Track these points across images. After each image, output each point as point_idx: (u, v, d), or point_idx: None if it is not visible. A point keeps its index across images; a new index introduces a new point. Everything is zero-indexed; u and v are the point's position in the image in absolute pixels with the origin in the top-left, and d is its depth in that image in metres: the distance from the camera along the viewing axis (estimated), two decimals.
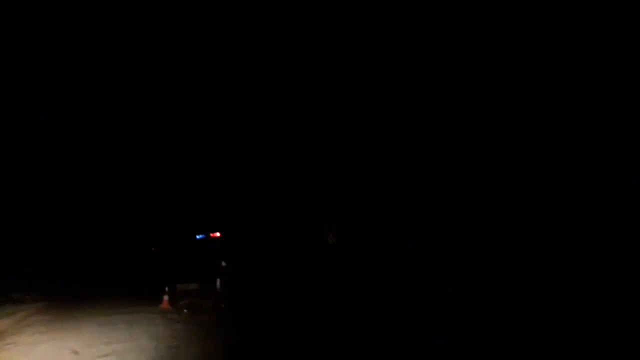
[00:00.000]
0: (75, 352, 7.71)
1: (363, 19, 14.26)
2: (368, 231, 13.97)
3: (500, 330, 7.14)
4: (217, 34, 16.36)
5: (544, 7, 11.64)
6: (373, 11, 13.99)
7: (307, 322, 8.96)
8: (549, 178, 11.33)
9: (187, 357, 7.38)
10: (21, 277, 15.10)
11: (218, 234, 14.54)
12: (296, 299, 10.96)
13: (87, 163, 19.45)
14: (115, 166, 19.67)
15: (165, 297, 11.33)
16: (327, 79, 15.17)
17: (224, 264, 13.18)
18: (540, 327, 7.11)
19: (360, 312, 9.42)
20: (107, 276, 16.87)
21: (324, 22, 14.74)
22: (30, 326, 9.87)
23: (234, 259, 13.68)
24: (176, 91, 17.90)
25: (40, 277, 15.72)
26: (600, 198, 10.36)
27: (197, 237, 15.20)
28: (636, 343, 6.17)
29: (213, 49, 16.77)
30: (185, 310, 10.84)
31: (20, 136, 18.74)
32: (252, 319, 9.63)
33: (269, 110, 16.03)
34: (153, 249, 16.68)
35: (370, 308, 9.62)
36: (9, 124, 17.97)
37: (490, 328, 7.33)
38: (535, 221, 10.97)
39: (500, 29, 12.29)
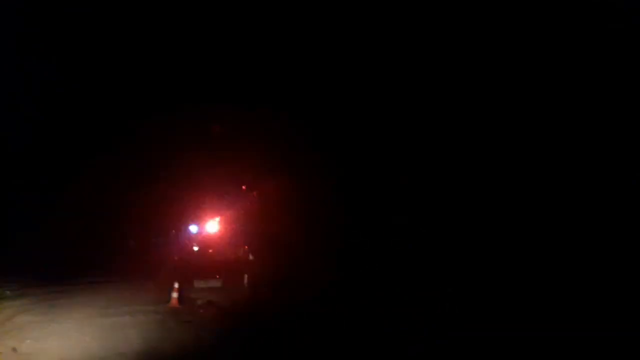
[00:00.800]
0: None
1: (362, 18, 14.26)
2: (370, 230, 13.95)
3: (500, 330, 7.14)
4: (217, 35, 16.38)
5: (544, 7, 11.64)
6: (373, 10, 13.98)
7: (307, 322, 8.96)
8: (549, 178, 11.31)
9: None
10: (10, 265, 13.84)
11: (217, 223, 13.32)
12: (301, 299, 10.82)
13: (86, 162, 19.48)
14: (116, 165, 19.71)
15: (174, 295, 10.08)
16: (326, 78, 15.19)
17: (251, 257, 11.73)
18: (540, 327, 7.11)
19: (360, 312, 9.41)
20: (103, 266, 15.85)
21: (322, 21, 14.74)
22: (16, 330, 7.86)
23: (263, 251, 12.11)
24: (174, 90, 17.94)
25: (30, 266, 14.51)
26: (600, 198, 10.34)
27: (191, 228, 14.41)
28: (636, 343, 6.17)
29: (212, 50, 16.79)
30: (201, 311, 9.65)
31: (20, 136, 18.77)
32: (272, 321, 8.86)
33: (277, 105, 16.01)
34: (131, 241, 16.02)
35: (370, 308, 9.62)
36: (9, 124, 17.99)
37: (490, 328, 7.32)
38: (535, 221, 10.96)
39: (500, 29, 12.29)
